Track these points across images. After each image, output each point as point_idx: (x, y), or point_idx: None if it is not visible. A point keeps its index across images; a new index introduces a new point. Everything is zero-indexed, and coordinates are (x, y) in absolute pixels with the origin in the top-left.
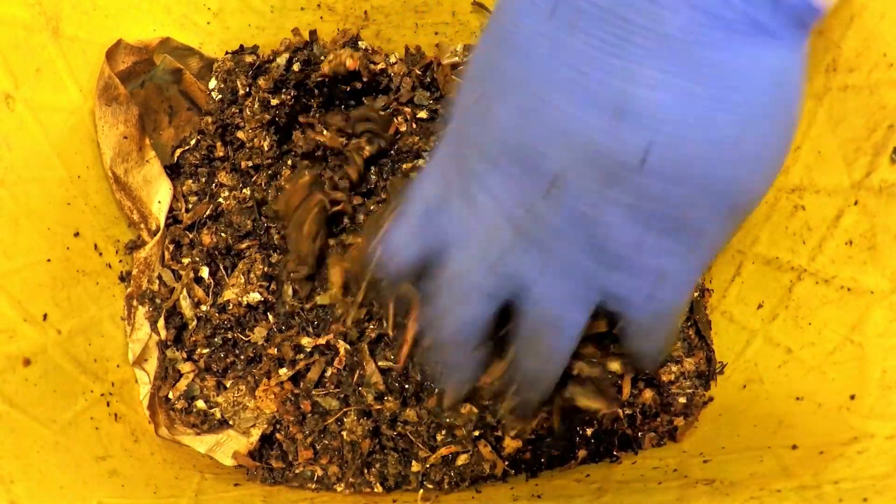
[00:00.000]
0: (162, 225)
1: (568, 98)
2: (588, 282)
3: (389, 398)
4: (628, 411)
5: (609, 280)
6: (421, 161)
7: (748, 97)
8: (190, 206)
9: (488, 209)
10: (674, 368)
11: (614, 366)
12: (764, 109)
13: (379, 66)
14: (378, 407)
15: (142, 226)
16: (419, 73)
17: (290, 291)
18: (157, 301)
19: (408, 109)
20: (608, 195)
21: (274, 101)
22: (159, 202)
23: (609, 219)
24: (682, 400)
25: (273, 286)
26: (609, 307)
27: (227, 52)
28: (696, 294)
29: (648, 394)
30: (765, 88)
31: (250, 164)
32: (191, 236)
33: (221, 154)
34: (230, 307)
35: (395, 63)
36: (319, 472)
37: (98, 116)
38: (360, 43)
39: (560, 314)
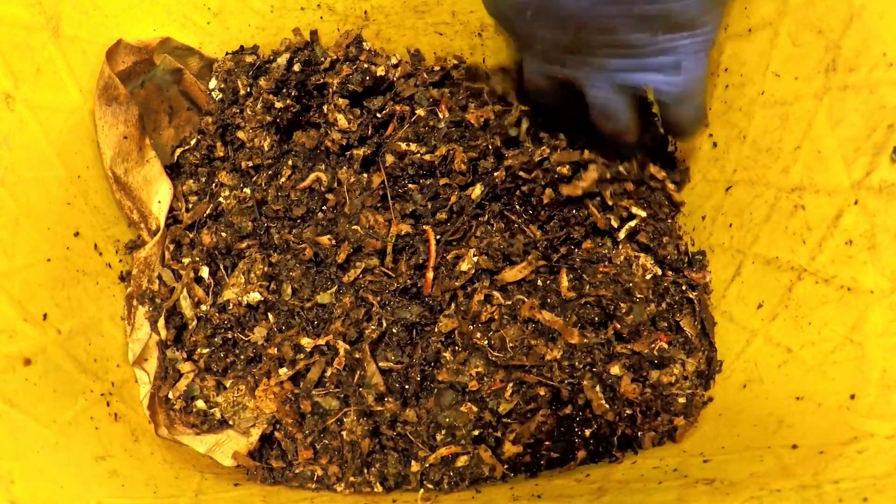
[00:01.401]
0: (162, 225)
1: None
2: (621, 78)
3: (390, 399)
4: (628, 411)
5: (636, 76)
6: (414, 146)
7: None
8: (190, 205)
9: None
10: (675, 370)
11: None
12: None
13: (380, 69)
14: (379, 408)
15: (142, 226)
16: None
17: (289, 291)
18: (157, 301)
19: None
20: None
21: (278, 105)
22: (159, 202)
23: (624, 28)
24: (682, 400)
25: (273, 286)
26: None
27: (227, 53)
28: (698, 293)
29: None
30: None
31: (250, 164)
32: (191, 236)
33: (221, 154)
34: (230, 307)
35: (398, 65)
36: (319, 472)
37: (98, 116)
38: (363, 44)
39: (606, 102)
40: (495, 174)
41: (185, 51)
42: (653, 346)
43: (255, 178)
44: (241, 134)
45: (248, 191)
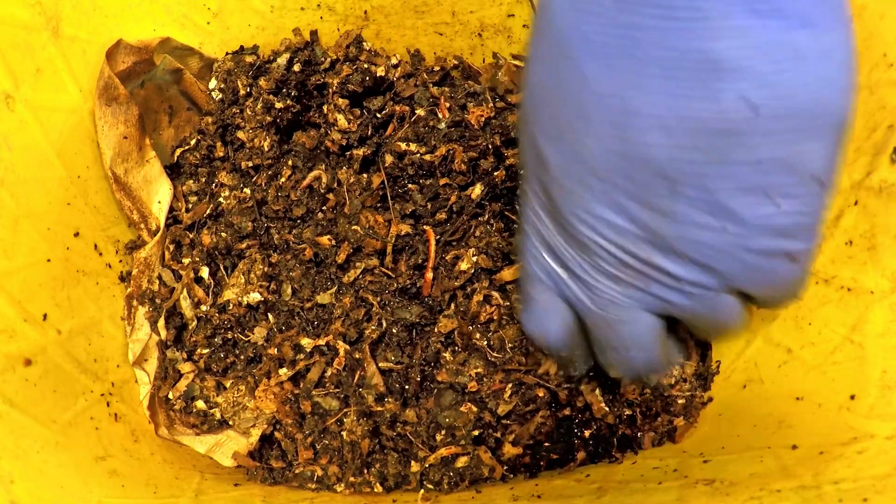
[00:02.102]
0: (162, 225)
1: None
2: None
3: (390, 399)
4: (628, 412)
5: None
6: (414, 146)
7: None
8: (190, 206)
9: (606, 248)
10: (674, 371)
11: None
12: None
13: (380, 70)
14: (379, 408)
15: (142, 226)
16: (425, 76)
17: (289, 291)
18: (157, 301)
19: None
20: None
21: (278, 105)
22: (159, 202)
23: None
24: (682, 401)
25: (273, 286)
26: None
27: (227, 53)
28: None
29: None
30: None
31: (250, 164)
32: (191, 236)
33: (221, 154)
34: (230, 307)
35: (398, 65)
36: (319, 472)
37: (98, 116)
38: (364, 44)
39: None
40: (495, 174)
41: (185, 51)
42: None
43: (255, 178)
44: (241, 134)
45: (248, 191)
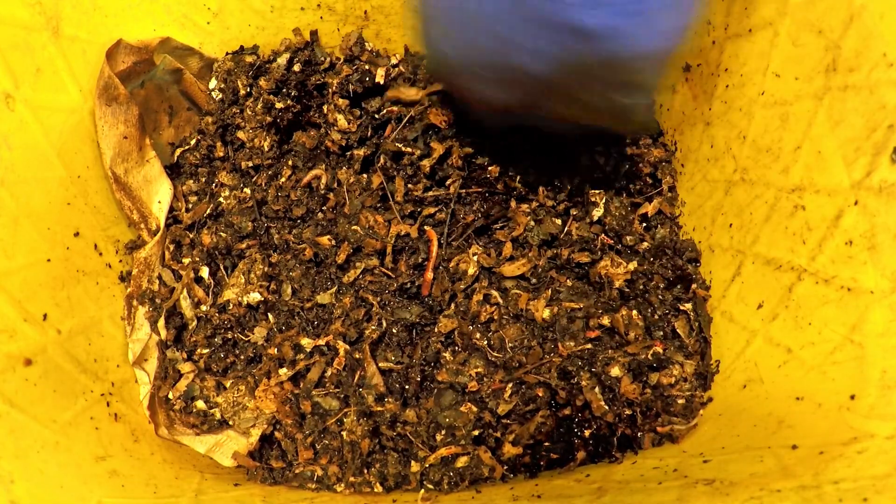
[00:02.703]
0: (162, 225)
1: None
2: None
3: (390, 399)
4: (628, 411)
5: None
6: (412, 146)
7: None
8: (190, 205)
9: None
10: (674, 371)
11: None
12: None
13: (380, 74)
14: (378, 408)
15: (142, 226)
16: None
17: (289, 291)
18: (157, 301)
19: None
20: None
21: (279, 105)
22: (159, 202)
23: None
24: (682, 401)
25: (273, 286)
26: None
27: (227, 53)
28: (699, 294)
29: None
30: None
31: (250, 164)
32: (191, 236)
33: (221, 154)
34: (230, 307)
35: (398, 65)
36: (319, 472)
37: (98, 116)
38: (366, 45)
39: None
40: (490, 168)
41: (185, 51)
42: (648, 351)
43: (255, 178)
44: (241, 134)
45: (248, 191)
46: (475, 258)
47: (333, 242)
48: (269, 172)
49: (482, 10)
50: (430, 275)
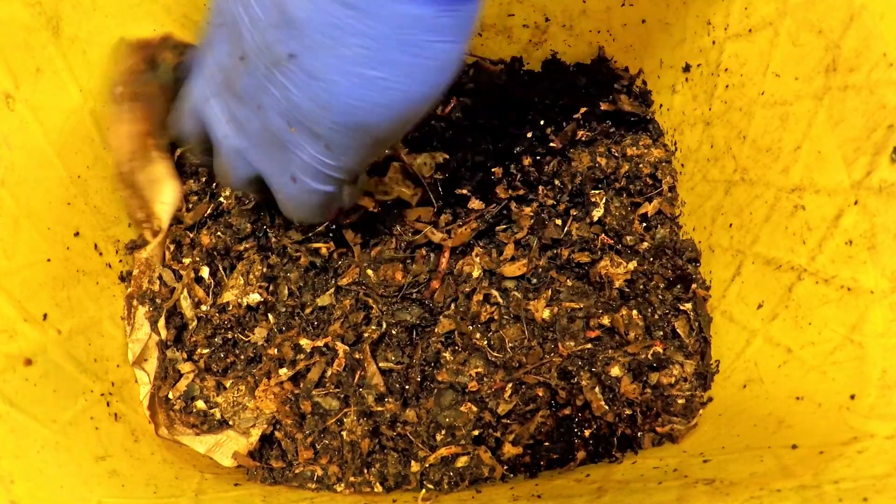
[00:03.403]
0: (165, 226)
1: None
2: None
3: (390, 399)
4: (628, 411)
5: (268, 150)
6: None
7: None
8: (190, 205)
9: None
10: (674, 370)
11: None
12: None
13: None
14: (379, 408)
15: (145, 225)
16: None
17: (286, 292)
18: (158, 301)
19: None
20: (269, 80)
21: None
22: (164, 203)
23: (267, 101)
24: (682, 401)
25: (272, 287)
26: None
27: None
28: (699, 294)
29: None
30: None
31: None
32: (191, 236)
33: None
34: (230, 308)
35: None
36: (319, 472)
37: (108, 114)
38: None
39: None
40: (494, 169)
41: (185, 47)
42: (648, 350)
43: None
44: None
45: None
46: (478, 259)
47: (333, 247)
48: None
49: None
50: (436, 283)
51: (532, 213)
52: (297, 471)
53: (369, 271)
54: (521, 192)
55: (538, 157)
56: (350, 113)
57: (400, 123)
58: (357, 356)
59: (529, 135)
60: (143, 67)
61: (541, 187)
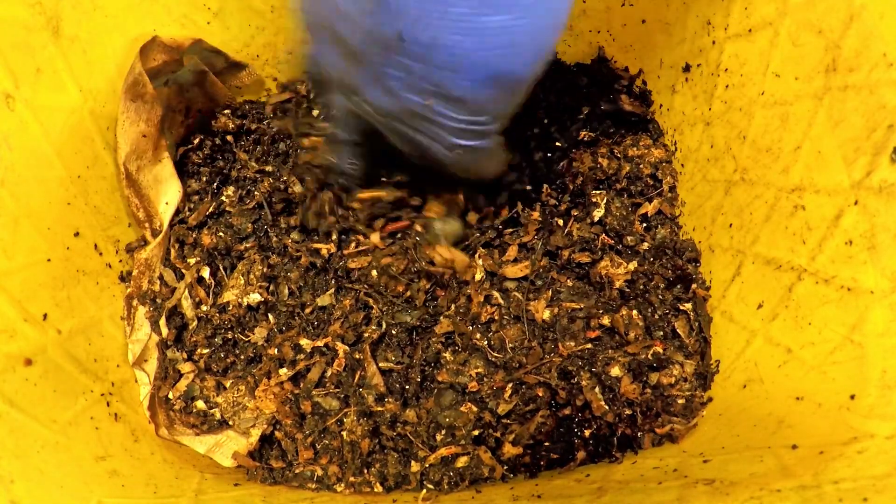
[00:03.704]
0: (166, 226)
1: None
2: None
3: (390, 399)
4: (628, 411)
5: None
6: None
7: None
8: (192, 205)
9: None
10: (674, 370)
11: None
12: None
13: None
14: (379, 408)
15: (146, 225)
16: None
17: (286, 292)
18: (158, 301)
19: None
20: (388, 65)
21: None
22: (167, 203)
23: (394, 84)
24: (682, 401)
25: (272, 287)
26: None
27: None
28: (699, 294)
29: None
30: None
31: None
32: (193, 236)
33: (224, 163)
34: (230, 308)
35: None
36: (319, 472)
37: (121, 111)
38: None
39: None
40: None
41: (213, 52)
42: (648, 351)
43: (262, 182)
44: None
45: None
46: (480, 262)
47: (335, 248)
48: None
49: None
50: (441, 291)
51: (539, 218)
52: (297, 471)
53: (374, 272)
54: (528, 187)
55: (549, 155)
56: (481, 66)
57: (531, 62)
58: (357, 356)
59: (536, 130)
60: (168, 68)
61: (545, 185)
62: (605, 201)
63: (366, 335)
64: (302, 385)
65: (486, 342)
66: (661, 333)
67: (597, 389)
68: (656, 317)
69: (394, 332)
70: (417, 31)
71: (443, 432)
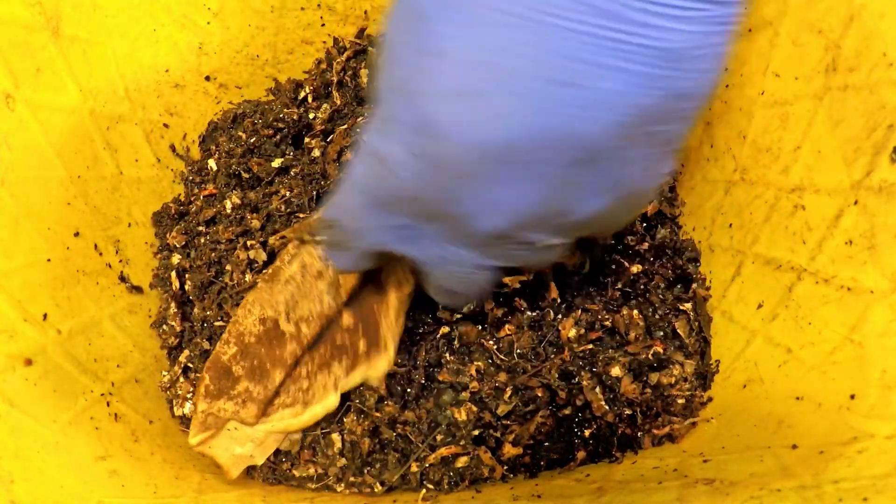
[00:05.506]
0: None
1: None
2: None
3: (389, 402)
4: (628, 411)
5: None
6: None
7: None
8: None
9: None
10: (674, 370)
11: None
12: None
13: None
14: (379, 409)
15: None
16: None
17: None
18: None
19: None
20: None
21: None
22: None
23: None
24: (682, 401)
25: None
26: None
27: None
28: (699, 294)
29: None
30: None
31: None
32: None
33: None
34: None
35: None
36: (319, 472)
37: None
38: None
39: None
40: None
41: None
42: (648, 350)
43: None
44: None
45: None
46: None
47: None
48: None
49: None
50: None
51: None
52: (297, 471)
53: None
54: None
55: None
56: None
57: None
58: None
59: None
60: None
61: None
62: None
63: None
64: None
65: (493, 344)
66: (662, 333)
67: (597, 389)
68: (657, 317)
69: None
70: (466, 199)
71: (443, 432)
